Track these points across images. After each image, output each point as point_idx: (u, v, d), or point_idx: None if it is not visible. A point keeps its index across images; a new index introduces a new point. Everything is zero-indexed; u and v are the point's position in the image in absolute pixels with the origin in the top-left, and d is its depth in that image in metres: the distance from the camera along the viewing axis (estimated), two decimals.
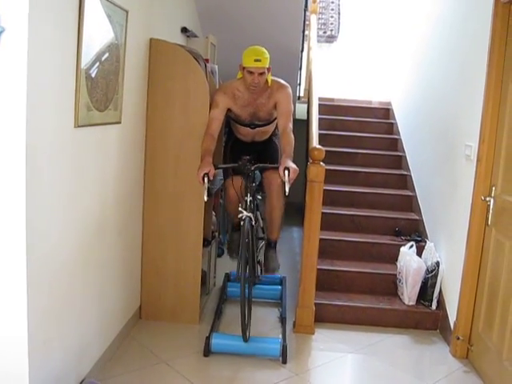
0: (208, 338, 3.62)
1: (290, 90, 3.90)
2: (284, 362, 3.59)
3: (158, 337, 3.85)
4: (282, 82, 3.91)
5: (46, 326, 2.52)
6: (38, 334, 2.42)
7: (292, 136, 3.75)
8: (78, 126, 2.65)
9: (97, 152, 3.00)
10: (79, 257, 2.86)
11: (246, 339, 3.57)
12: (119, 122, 3.27)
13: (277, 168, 3.56)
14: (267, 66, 3.70)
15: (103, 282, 3.28)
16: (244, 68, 3.71)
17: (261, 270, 4.19)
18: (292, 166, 3.50)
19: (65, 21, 2.46)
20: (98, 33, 2.80)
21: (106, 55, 2.92)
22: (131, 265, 3.84)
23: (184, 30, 4.93)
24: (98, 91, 2.85)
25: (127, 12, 3.15)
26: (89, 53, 2.68)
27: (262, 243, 4.36)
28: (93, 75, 2.75)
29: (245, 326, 3.54)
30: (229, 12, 5.57)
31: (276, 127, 4.06)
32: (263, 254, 4.24)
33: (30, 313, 2.33)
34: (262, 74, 3.69)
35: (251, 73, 3.68)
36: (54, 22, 2.35)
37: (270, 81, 3.82)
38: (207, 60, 4.64)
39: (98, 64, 2.81)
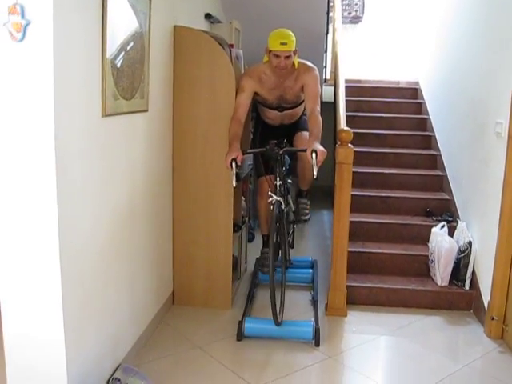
0: (241, 323, 3.65)
1: (317, 72, 3.87)
2: (317, 344, 3.59)
3: (191, 322, 3.89)
4: (309, 64, 3.88)
5: (80, 313, 2.56)
6: (73, 322, 2.46)
7: (320, 118, 3.73)
8: (106, 116, 2.67)
9: (125, 140, 3.02)
10: (111, 245, 2.90)
11: (277, 323, 3.58)
12: (146, 110, 3.29)
13: (305, 151, 3.55)
14: (293, 49, 3.67)
15: (136, 270, 3.32)
16: (270, 51, 3.69)
17: (292, 242, 4.23)
18: (320, 148, 3.47)
19: (89, 12, 2.47)
20: (122, 22, 2.81)
21: (131, 44, 2.93)
22: (163, 251, 3.87)
23: (208, 16, 4.92)
24: (124, 80, 2.87)
25: (150, 0, 3.15)
26: (114, 42, 2.69)
27: (294, 227, 4.37)
28: (118, 65, 2.77)
29: (275, 310, 3.55)
30: None
31: (304, 110, 4.03)
32: (295, 202, 4.31)
33: (65, 303, 2.37)
34: (288, 57, 3.66)
35: (277, 56, 3.65)
36: (78, 13, 2.36)
37: (296, 63, 3.79)
38: (232, 45, 4.62)
39: (123, 53, 2.82)
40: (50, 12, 2.12)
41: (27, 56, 2.16)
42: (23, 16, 2.11)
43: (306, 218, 4.31)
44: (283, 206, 3.74)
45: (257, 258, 4.82)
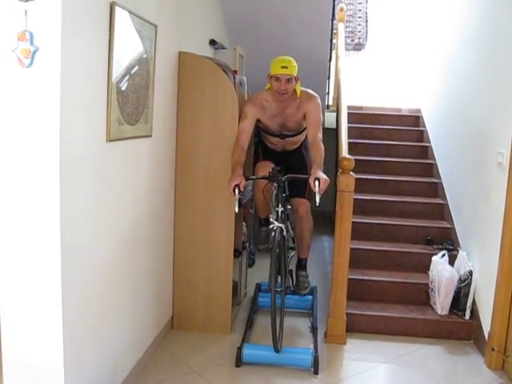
0: (240, 349, 3.63)
1: (319, 100, 3.90)
2: (316, 372, 3.57)
3: (190, 347, 3.87)
4: (311, 92, 3.91)
5: (80, 337, 2.55)
6: (72, 344, 2.46)
7: (322, 146, 3.75)
8: (110, 141, 2.69)
9: (129, 165, 3.04)
10: (112, 269, 2.90)
11: (277, 349, 3.57)
12: (150, 136, 3.31)
13: (307, 179, 3.56)
14: (294, 75, 3.71)
15: (136, 293, 3.31)
16: (272, 76, 3.73)
17: (292, 284, 4.22)
18: (323, 176, 3.49)
19: (96, 37, 2.51)
20: (128, 47, 2.84)
21: (136, 69, 2.96)
22: (163, 275, 3.87)
23: (212, 42, 4.97)
24: (129, 105, 2.89)
25: (156, 27, 3.19)
26: (119, 68, 2.72)
27: (293, 253, 4.37)
28: (123, 89, 2.79)
29: (276, 337, 3.54)
30: (256, 23, 5.60)
31: (306, 137, 4.06)
32: (294, 273, 4.29)
33: (65, 324, 2.37)
34: (289, 81, 3.70)
35: (278, 80, 3.70)
36: (85, 38, 2.40)
37: (298, 91, 3.83)
38: (235, 71, 4.67)
39: (127, 78, 2.85)
40: (58, 39, 2.15)
41: (35, 81, 2.18)
42: (32, 42, 2.14)
43: (306, 291, 4.29)
44: (284, 233, 3.75)
45: (256, 284, 4.82)
